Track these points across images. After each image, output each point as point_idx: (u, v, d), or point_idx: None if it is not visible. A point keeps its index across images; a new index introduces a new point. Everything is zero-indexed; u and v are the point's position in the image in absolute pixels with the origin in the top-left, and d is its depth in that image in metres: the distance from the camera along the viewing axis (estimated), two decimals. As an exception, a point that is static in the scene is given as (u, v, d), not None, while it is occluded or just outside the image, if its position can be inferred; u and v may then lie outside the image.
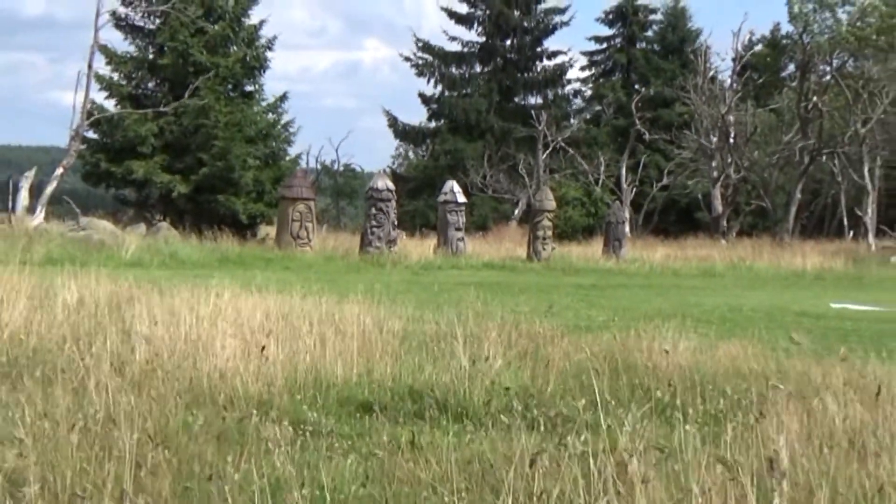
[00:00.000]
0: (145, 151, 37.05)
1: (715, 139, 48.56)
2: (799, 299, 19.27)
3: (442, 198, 30.35)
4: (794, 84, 51.78)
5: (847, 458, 5.19)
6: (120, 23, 38.93)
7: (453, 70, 53.47)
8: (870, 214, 45.68)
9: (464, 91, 53.11)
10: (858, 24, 46.60)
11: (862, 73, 48.31)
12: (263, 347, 8.03)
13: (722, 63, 53.95)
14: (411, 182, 50.65)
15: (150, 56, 39.17)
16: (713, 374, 8.13)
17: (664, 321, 10.65)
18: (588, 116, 56.90)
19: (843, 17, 47.03)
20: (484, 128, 51.60)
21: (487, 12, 52.86)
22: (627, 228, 34.19)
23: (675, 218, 53.33)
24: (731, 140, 48.48)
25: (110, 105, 38.54)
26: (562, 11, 53.74)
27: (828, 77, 49.07)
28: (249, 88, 40.73)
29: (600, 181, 49.69)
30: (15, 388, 6.88)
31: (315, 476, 5.21)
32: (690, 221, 52.07)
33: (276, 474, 5.13)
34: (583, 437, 5.08)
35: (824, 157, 48.64)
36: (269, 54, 40.76)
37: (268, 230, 35.95)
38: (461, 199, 30.42)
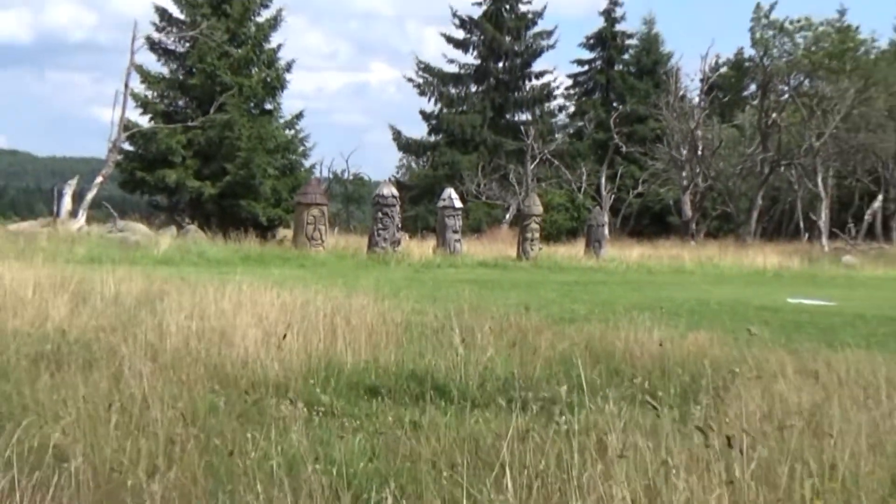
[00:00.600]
0: (176, 161, 37.09)
1: (685, 152, 48.57)
2: (759, 294, 19.23)
3: (441, 203, 30.32)
4: (755, 102, 51.86)
5: (803, 436, 5.19)
6: (154, 47, 38.97)
7: (451, 89, 53.45)
8: (823, 219, 45.71)
9: (460, 108, 53.09)
10: (813, 48, 46.70)
11: (816, 92, 48.42)
12: (284, 336, 8.01)
13: (691, 83, 54.08)
14: (413, 190, 50.61)
15: (181, 76, 39.17)
16: (683, 361, 8.11)
17: (640, 313, 10.64)
18: (571, 131, 56.94)
19: (799, 42, 47.11)
20: (478, 141, 51.58)
21: (482, 38, 52.84)
22: (606, 231, 34.10)
23: (649, 222, 53.31)
24: (699, 152, 48.50)
25: (144, 120, 38.59)
26: (548, 36, 53.80)
27: (786, 96, 49.21)
28: (269, 106, 40.75)
29: (582, 189, 49.69)
30: (59, 373, 6.87)
31: (327, 452, 5.21)
32: (663, 225, 52.06)
33: (292, 450, 5.12)
34: (566, 418, 5.09)
35: (782, 168, 48.69)
36: (287, 75, 40.81)
37: (285, 232, 35.91)
38: (458, 204, 30.38)
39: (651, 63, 57.54)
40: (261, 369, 7.43)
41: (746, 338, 9.25)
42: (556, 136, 54.00)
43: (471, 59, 53.70)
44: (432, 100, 53.34)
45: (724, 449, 4.44)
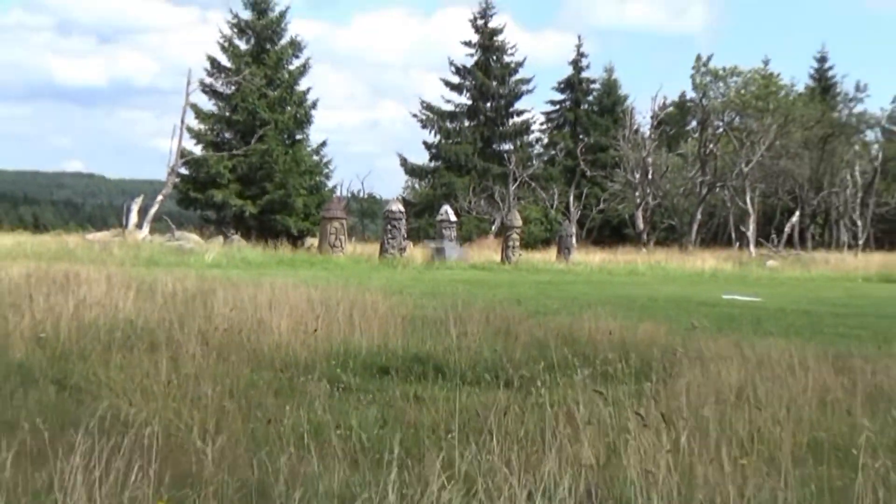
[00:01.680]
0: (223, 183, 37.14)
1: (638, 176, 48.61)
2: (699, 292, 19.22)
3: (439, 217, 30.33)
4: (696, 135, 51.93)
5: (734, 408, 5.20)
6: (205, 89, 39.06)
7: (448, 124, 53.40)
8: (751, 230, 45.72)
9: (456, 140, 53.02)
10: (743, 91, 46.87)
11: (745, 127, 48.58)
12: (315, 329, 7.98)
13: (643, 119, 53.86)
14: (417, 206, 50.54)
15: (227, 113, 39.24)
16: (637, 345, 8.11)
17: (602, 307, 10.64)
18: (546, 158, 56.86)
19: (732, 85, 47.28)
20: (470, 167, 51.56)
21: (473, 83, 52.86)
22: (574, 240, 34.07)
23: (609, 233, 53.27)
24: (650, 176, 48.54)
25: (197, 149, 38.61)
26: (528, 81, 53.90)
27: (720, 130, 49.32)
28: (299, 137, 40.78)
29: (554, 206, 49.73)
30: (128, 356, 6.86)
31: (346, 420, 5.21)
32: (620, 235, 52.03)
33: (318, 419, 5.12)
34: (542, 392, 5.09)
35: (718, 189, 48.77)
36: (313, 112, 40.93)
37: (312, 241, 35.90)
38: (453, 218, 30.39)
39: (610, 103, 57.61)
40: (292, 353, 7.43)
41: (688, 329, 9.24)
42: (533, 162, 53.92)
43: (464, 99, 53.74)
44: (433, 132, 53.32)
45: (668, 419, 4.44)
